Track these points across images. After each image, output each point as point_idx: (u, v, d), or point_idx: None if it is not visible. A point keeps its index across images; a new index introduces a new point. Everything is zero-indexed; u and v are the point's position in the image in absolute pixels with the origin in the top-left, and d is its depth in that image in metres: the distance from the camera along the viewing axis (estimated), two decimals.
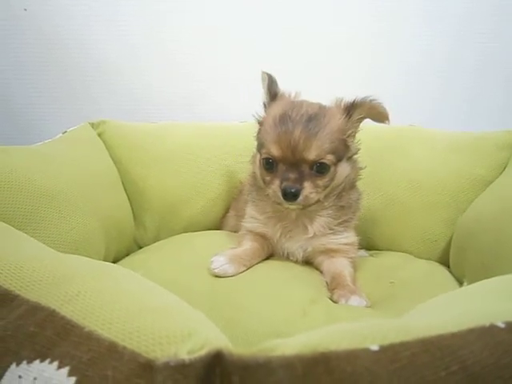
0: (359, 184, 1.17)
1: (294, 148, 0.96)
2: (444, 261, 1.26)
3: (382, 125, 1.05)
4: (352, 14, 1.72)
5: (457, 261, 1.16)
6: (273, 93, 1.09)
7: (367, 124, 1.08)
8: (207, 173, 1.46)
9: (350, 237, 1.12)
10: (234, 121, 1.58)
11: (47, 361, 0.39)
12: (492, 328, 0.41)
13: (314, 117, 0.98)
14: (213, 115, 1.73)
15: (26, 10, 1.63)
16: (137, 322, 0.42)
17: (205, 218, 1.47)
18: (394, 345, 0.38)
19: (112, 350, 0.39)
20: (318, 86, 1.62)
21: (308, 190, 0.98)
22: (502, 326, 0.41)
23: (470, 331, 0.40)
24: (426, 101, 1.81)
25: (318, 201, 1.02)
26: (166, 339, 0.39)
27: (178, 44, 1.76)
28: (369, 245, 1.38)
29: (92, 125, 1.38)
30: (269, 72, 1.09)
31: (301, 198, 0.97)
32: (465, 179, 1.28)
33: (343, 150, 1.03)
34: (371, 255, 1.32)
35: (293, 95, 1.10)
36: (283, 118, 0.98)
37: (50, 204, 0.92)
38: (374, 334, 0.39)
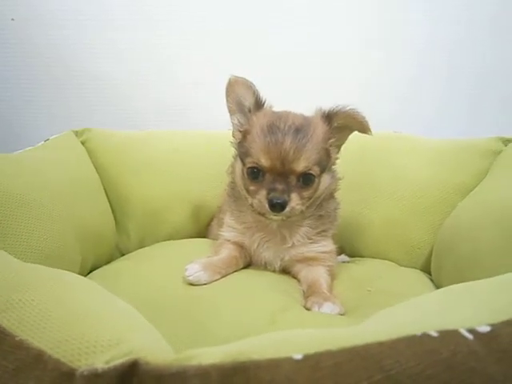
0: (342, 192, 1.17)
1: (283, 158, 0.96)
2: (427, 269, 1.25)
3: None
4: (350, 18, 1.73)
5: (436, 268, 1.16)
6: (260, 101, 1.07)
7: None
8: (192, 180, 1.46)
9: (327, 245, 1.12)
10: (220, 128, 1.58)
11: None
12: (423, 337, 0.40)
13: (301, 128, 0.98)
14: (200, 122, 1.74)
15: (13, 19, 1.65)
16: (68, 330, 0.42)
17: (190, 225, 1.47)
18: (318, 354, 0.37)
19: (38, 359, 0.39)
20: (314, 90, 1.63)
21: (295, 201, 0.97)
22: (434, 334, 0.40)
23: (399, 340, 0.39)
24: (427, 108, 1.81)
25: (301, 212, 1.02)
26: (92, 348, 0.39)
27: (168, 51, 1.77)
28: (353, 252, 1.38)
29: (76, 133, 1.39)
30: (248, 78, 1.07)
31: (287, 209, 0.97)
32: (448, 187, 1.27)
33: (326, 161, 1.03)
34: (353, 262, 1.31)
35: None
36: (272, 129, 0.98)
37: (22, 211, 0.92)
38: (301, 342, 0.39)
